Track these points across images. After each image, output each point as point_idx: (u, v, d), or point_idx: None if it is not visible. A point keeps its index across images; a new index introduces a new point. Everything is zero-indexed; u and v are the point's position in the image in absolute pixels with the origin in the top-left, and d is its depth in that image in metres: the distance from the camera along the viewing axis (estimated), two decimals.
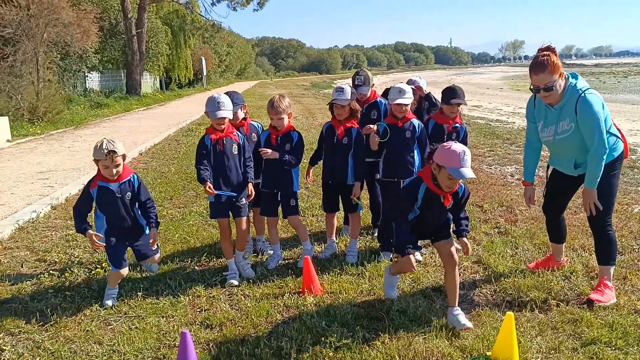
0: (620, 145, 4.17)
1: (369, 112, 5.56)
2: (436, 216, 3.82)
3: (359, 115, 5.21)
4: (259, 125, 5.37)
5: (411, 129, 5.05)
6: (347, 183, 5.13)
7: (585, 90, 3.98)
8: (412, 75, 6.57)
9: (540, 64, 3.96)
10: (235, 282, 4.62)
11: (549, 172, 4.73)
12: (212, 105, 4.58)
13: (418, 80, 6.05)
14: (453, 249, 3.87)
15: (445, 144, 3.61)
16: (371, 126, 5.24)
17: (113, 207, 4.28)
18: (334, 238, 5.43)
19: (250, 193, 4.79)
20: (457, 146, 3.53)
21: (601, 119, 3.93)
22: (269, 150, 4.81)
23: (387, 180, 5.16)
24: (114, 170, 4.15)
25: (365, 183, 5.81)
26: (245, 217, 4.83)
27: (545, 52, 3.99)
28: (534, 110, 4.37)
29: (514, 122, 17.09)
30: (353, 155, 5.10)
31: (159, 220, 4.44)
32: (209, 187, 4.46)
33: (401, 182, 5.03)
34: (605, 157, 3.97)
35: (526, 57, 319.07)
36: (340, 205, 5.41)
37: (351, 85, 5.51)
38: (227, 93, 5.18)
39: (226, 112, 4.61)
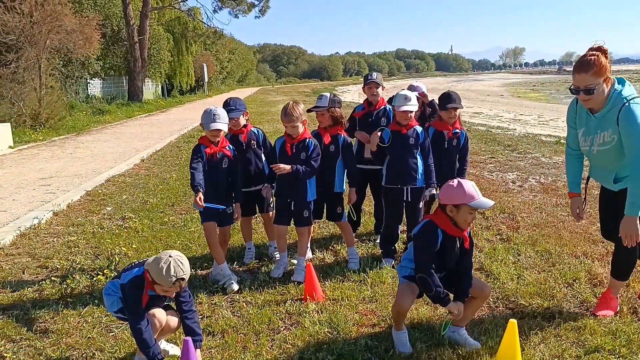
0: None
1: (378, 120, 5.57)
2: (452, 261, 3.54)
3: (344, 122, 5.21)
4: (259, 131, 5.36)
5: (414, 135, 5.05)
6: (334, 191, 5.14)
7: (631, 99, 3.55)
8: (412, 82, 6.58)
9: (586, 63, 3.54)
10: (235, 287, 4.60)
11: (588, 184, 4.25)
12: (208, 117, 4.59)
13: (421, 86, 6.07)
14: (485, 290, 3.70)
15: (448, 184, 3.47)
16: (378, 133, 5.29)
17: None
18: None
19: (237, 215, 4.88)
20: (463, 181, 3.43)
21: None
22: (283, 166, 4.69)
23: (389, 186, 5.15)
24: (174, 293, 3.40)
25: (370, 190, 5.82)
26: (228, 226, 4.92)
27: (594, 52, 3.56)
28: (575, 115, 3.95)
29: (514, 129, 17.10)
30: (344, 162, 5.14)
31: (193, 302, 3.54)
32: (200, 199, 4.39)
33: (404, 189, 5.04)
34: None
35: (527, 64, 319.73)
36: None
37: (364, 81, 5.68)
38: (229, 99, 5.20)
39: (221, 124, 4.59)
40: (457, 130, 5.37)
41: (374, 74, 5.67)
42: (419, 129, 5.11)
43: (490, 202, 3.43)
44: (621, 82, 3.63)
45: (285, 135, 4.89)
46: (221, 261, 4.75)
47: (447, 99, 5.31)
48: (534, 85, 62.89)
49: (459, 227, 3.46)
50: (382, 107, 5.64)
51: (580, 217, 4.13)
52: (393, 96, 5.30)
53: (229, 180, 4.77)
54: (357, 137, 5.62)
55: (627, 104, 3.52)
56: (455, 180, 3.47)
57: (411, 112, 4.99)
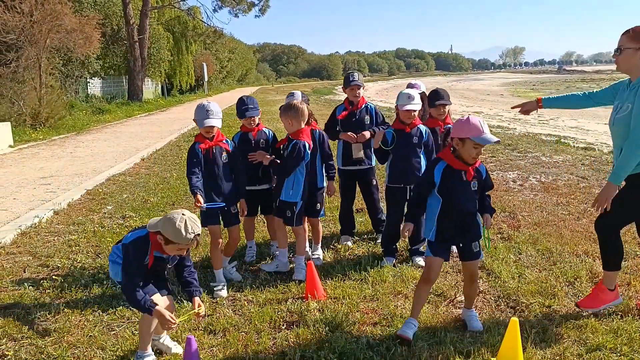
0: None
1: (362, 119, 5.57)
2: (461, 197, 3.65)
3: (315, 118, 5.25)
4: (270, 131, 5.26)
5: (418, 134, 5.06)
6: (317, 186, 5.15)
7: None
8: (412, 81, 6.57)
9: (629, 29, 3.75)
10: (224, 294, 4.53)
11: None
12: (201, 113, 4.54)
13: (420, 85, 6.04)
14: (477, 269, 3.91)
15: (460, 118, 3.63)
16: (365, 135, 5.41)
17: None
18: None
19: (242, 211, 4.84)
20: (473, 117, 3.59)
21: None
22: (261, 156, 4.90)
23: (393, 186, 5.16)
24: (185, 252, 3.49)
25: (360, 189, 5.83)
26: (236, 225, 4.84)
27: None
28: (618, 88, 4.04)
29: (515, 128, 17.09)
30: (321, 156, 5.18)
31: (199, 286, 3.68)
32: (199, 201, 4.36)
33: (408, 187, 5.04)
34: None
35: (527, 64, 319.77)
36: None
37: (344, 82, 5.66)
38: (245, 97, 5.23)
39: (215, 120, 4.54)
40: (449, 126, 5.36)
41: (356, 75, 5.64)
42: (422, 127, 5.12)
43: (495, 138, 3.54)
44: None
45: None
46: (219, 267, 4.70)
47: (436, 96, 5.34)
48: (533, 85, 62.81)
49: (465, 161, 3.61)
50: (364, 105, 5.63)
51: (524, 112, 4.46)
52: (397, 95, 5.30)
53: (230, 176, 4.71)
54: (342, 138, 5.59)
55: None
56: (468, 115, 3.64)
57: (414, 111, 4.99)
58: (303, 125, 4.80)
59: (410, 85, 5.78)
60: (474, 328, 3.81)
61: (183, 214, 3.21)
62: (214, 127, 4.56)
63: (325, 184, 5.28)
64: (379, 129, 5.35)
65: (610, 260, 4.01)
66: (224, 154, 4.67)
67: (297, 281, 4.73)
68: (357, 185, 5.87)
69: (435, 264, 3.75)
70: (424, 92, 5.84)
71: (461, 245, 3.81)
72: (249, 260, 5.38)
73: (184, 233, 3.16)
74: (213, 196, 4.58)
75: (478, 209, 3.79)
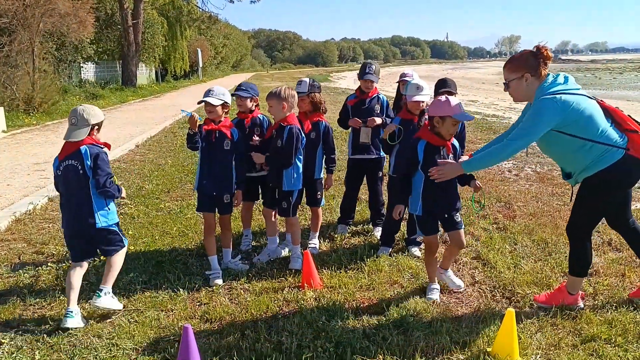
0: (611, 157, 3.63)
1: (372, 106, 5.55)
2: (411, 135, 4.34)
3: (324, 108, 5.22)
4: (264, 118, 5.19)
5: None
6: (314, 177, 5.15)
7: (542, 96, 3.63)
8: (407, 68, 6.51)
9: (506, 63, 3.86)
10: (220, 282, 4.51)
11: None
12: (204, 93, 4.60)
13: (412, 74, 5.90)
14: (463, 236, 4.29)
15: (439, 98, 4.07)
16: (375, 120, 5.36)
17: None
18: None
19: (237, 202, 4.79)
20: (451, 98, 4.06)
21: (537, 123, 3.59)
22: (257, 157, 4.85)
23: (393, 144, 5.06)
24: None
25: (366, 180, 5.81)
26: (228, 215, 4.81)
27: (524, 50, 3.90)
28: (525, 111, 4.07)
29: (510, 118, 17.09)
30: (324, 149, 5.18)
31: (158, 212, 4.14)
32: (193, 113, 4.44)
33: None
34: (505, 152, 3.74)
35: None
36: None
37: (359, 72, 5.55)
38: (243, 82, 5.25)
39: (212, 98, 4.53)
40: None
41: (373, 67, 5.50)
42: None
43: (472, 117, 4.13)
44: (556, 78, 3.68)
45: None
46: (212, 253, 4.66)
47: (442, 84, 5.27)
48: None
49: (443, 137, 4.05)
50: (375, 94, 5.59)
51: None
52: (405, 85, 5.23)
53: (228, 164, 4.65)
54: (350, 124, 5.57)
55: (541, 98, 3.62)
56: (443, 96, 4.07)
57: (423, 102, 4.89)
58: (292, 111, 4.72)
59: (403, 75, 5.72)
60: (456, 286, 4.33)
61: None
62: (212, 105, 4.53)
63: (322, 176, 5.26)
64: (391, 121, 5.28)
65: (576, 265, 3.95)
66: (227, 141, 4.62)
67: (293, 270, 4.73)
68: (365, 176, 5.82)
69: (432, 240, 4.21)
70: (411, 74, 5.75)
71: (446, 216, 4.19)
72: (245, 249, 5.37)
73: None
74: (204, 177, 4.60)
75: (459, 181, 4.20)
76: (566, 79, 3.71)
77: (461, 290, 4.34)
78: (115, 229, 4.04)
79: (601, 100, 3.82)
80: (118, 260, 4.07)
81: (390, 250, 5.18)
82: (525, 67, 3.70)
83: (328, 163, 5.26)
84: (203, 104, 4.60)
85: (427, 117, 4.12)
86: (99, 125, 4.16)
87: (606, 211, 3.96)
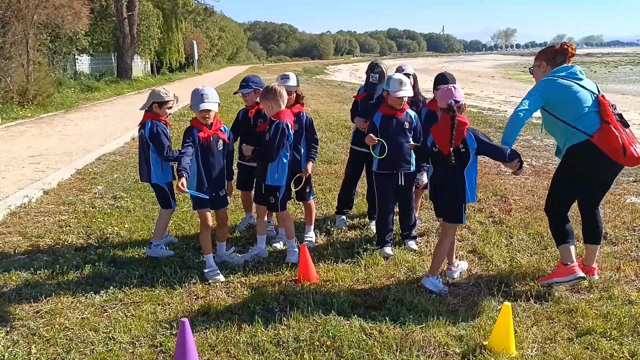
0: (576, 138, 4.09)
1: (379, 103, 5.44)
2: (394, 131, 4.85)
3: (303, 102, 5.23)
4: None
5: (409, 119, 4.98)
6: (301, 170, 5.13)
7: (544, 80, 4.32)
8: (404, 61, 6.48)
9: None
10: (222, 278, 4.47)
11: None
12: (196, 97, 4.44)
13: (409, 68, 5.86)
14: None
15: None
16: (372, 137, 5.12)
17: None
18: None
19: (229, 192, 4.85)
20: (396, 75, 4.80)
21: (535, 93, 4.25)
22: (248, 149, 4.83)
23: (383, 172, 5.03)
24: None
25: (366, 173, 5.80)
26: (224, 208, 4.79)
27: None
28: None
29: (505, 111, 17.10)
30: (307, 139, 5.17)
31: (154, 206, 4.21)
32: (182, 184, 4.20)
33: (399, 174, 4.98)
34: (515, 119, 4.22)
35: (518, 46, 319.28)
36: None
37: (366, 78, 5.52)
38: (248, 77, 5.36)
39: (210, 104, 4.44)
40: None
41: (377, 77, 5.39)
42: (411, 112, 5.05)
43: (402, 94, 4.78)
44: (567, 68, 4.30)
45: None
46: (209, 251, 4.62)
47: (441, 79, 5.26)
48: (525, 67, 62.76)
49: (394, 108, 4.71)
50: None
51: None
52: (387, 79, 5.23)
53: (223, 162, 4.66)
54: (355, 123, 5.60)
55: (538, 83, 4.37)
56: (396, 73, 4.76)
57: (406, 97, 4.90)
58: (283, 107, 4.71)
59: (399, 69, 5.70)
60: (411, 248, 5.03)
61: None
62: (210, 110, 4.46)
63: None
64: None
65: (557, 237, 4.33)
66: (220, 142, 4.59)
67: (289, 264, 4.73)
68: (365, 168, 5.81)
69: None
70: (414, 74, 5.73)
71: None
72: (242, 229, 5.59)
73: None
74: (203, 183, 4.52)
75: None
76: (573, 68, 4.28)
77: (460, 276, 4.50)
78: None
79: (602, 95, 4.21)
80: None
81: (392, 248, 5.08)
82: (545, 59, 4.45)
83: (309, 150, 5.22)
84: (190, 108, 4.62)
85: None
86: (159, 103, 4.99)
87: (576, 192, 4.33)
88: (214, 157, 4.57)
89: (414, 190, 5.25)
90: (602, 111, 4.09)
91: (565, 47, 4.40)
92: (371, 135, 4.86)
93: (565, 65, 4.33)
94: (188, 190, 4.35)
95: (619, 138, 3.98)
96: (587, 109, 4.12)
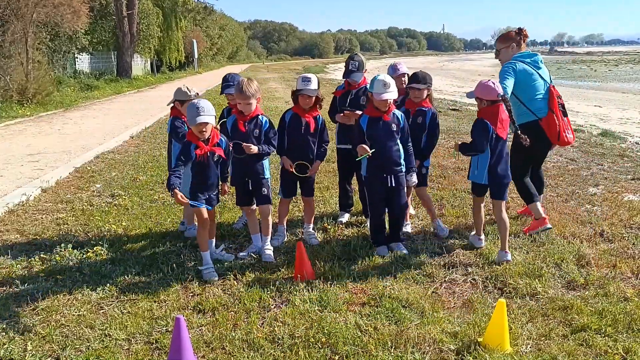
0: (527, 117, 5.32)
1: (357, 98, 5.53)
2: (382, 134, 4.76)
3: (321, 104, 5.19)
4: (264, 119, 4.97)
5: (396, 121, 4.85)
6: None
7: (510, 63, 5.34)
8: (404, 60, 6.48)
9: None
10: (216, 277, 4.44)
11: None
12: (192, 111, 4.32)
13: (402, 66, 5.86)
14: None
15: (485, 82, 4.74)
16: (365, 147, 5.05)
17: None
18: (285, 225, 5.44)
19: (223, 192, 4.86)
20: (381, 76, 4.71)
21: (507, 86, 5.15)
22: (253, 148, 4.67)
23: (372, 175, 4.90)
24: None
25: (355, 175, 5.83)
26: (214, 208, 4.75)
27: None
28: None
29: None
30: (320, 139, 5.20)
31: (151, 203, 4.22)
32: (181, 196, 4.15)
33: (389, 177, 4.85)
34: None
35: None
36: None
37: (345, 68, 5.51)
38: (227, 77, 5.40)
39: (207, 117, 4.33)
40: (424, 108, 5.27)
41: (356, 64, 5.47)
42: (398, 113, 4.92)
43: (385, 97, 4.66)
44: (530, 54, 5.44)
45: (236, 113, 4.81)
46: (205, 249, 4.59)
47: (414, 78, 5.29)
48: None
49: (380, 110, 4.77)
50: (363, 86, 5.55)
51: None
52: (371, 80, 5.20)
53: (217, 170, 4.61)
54: (338, 120, 5.59)
55: (505, 65, 5.35)
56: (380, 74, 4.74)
57: (390, 100, 4.74)
58: (252, 101, 4.74)
59: (394, 67, 5.69)
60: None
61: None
62: (207, 123, 4.36)
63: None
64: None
65: (526, 197, 5.48)
66: (217, 155, 4.51)
67: (286, 261, 4.74)
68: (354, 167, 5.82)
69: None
70: (407, 73, 5.70)
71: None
72: (238, 227, 5.58)
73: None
74: (197, 193, 4.49)
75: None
76: (536, 57, 5.43)
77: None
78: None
79: (552, 86, 5.42)
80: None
81: (387, 250, 4.99)
82: (514, 42, 5.51)
83: (320, 150, 5.23)
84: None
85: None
86: (181, 101, 5.18)
87: (529, 158, 5.46)
88: (210, 169, 4.53)
89: (405, 190, 5.07)
90: (550, 100, 5.28)
91: (524, 31, 5.52)
92: (364, 146, 4.74)
93: (529, 52, 5.46)
94: (191, 202, 4.40)
95: (557, 125, 5.21)
96: (540, 95, 5.29)
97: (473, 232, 5.23)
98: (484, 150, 4.69)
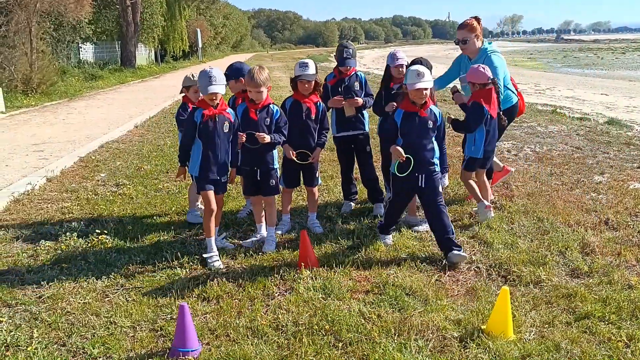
0: (513, 99, 5.80)
1: (351, 84, 5.55)
2: (417, 130, 4.51)
3: (321, 89, 5.21)
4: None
5: (432, 118, 4.56)
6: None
7: (490, 52, 5.60)
8: (409, 48, 6.42)
9: (463, 23, 5.73)
10: (219, 265, 4.45)
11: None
12: (204, 80, 4.37)
13: (400, 54, 5.78)
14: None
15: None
16: (358, 100, 5.41)
17: None
18: (289, 214, 5.43)
19: (231, 179, 4.80)
20: (414, 66, 4.56)
21: (499, 73, 5.50)
22: (267, 137, 4.67)
23: (403, 176, 4.56)
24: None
25: (356, 157, 5.81)
26: (221, 195, 4.76)
27: (470, 18, 5.77)
28: (460, 62, 6.02)
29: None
30: (320, 126, 5.19)
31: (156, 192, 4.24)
32: (184, 172, 4.25)
33: (420, 176, 4.54)
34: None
35: (524, 32, 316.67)
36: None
37: (338, 56, 5.53)
38: (231, 65, 5.38)
39: (218, 86, 4.38)
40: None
41: (350, 51, 5.50)
42: (435, 109, 4.65)
43: (421, 85, 4.40)
44: (490, 43, 5.76)
45: (247, 102, 4.78)
46: (210, 234, 4.59)
47: (411, 63, 5.24)
48: (531, 54, 62.40)
49: (415, 104, 4.53)
50: (354, 72, 5.58)
51: None
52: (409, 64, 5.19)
53: (228, 147, 4.60)
54: (330, 105, 5.51)
55: (488, 54, 5.59)
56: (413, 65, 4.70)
57: (425, 89, 4.42)
58: (264, 89, 4.71)
59: (392, 55, 5.64)
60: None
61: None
62: (217, 93, 4.40)
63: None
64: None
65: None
66: (226, 123, 4.53)
67: (290, 250, 4.75)
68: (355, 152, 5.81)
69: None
70: (406, 62, 5.63)
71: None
72: (242, 216, 5.59)
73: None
74: (209, 166, 4.50)
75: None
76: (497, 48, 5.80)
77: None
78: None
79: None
80: None
81: (392, 239, 4.97)
82: (478, 30, 5.69)
83: (320, 138, 5.23)
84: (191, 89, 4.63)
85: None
86: (187, 87, 5.46)
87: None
88: (220, 140, 4.50)
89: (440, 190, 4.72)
90: (514, 83, 5.91)
91: (479, 20, 5.79)
92: (398, 148, 4.47)
93: (489, 41, 5.89)
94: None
95: (523, 103, 6.02)
96: (508, 79, 5.77)
97: (475, 207, 5.54)
98: (473, 131, 5.24)
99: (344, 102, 5.44)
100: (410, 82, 4.42)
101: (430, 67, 5.18)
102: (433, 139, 4.62)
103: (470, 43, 5.67)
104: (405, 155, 4.46)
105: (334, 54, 5.68)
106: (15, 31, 17.37)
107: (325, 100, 5.58)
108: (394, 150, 4.50)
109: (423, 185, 4.57)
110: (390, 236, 4.96)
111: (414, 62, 5.22)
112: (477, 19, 5.72)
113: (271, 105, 4.80)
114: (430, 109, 4.57)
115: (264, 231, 5.01)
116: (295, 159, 5.06)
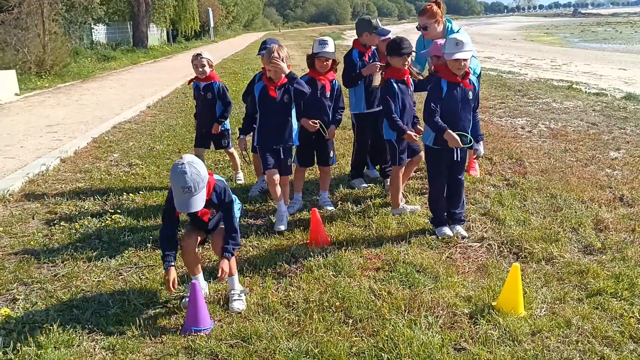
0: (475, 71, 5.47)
1: (374, 58, 5.59)
2: (459, 103, 4.32)
3: (337, 68, 5.18)
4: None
5: (472, 89, 4.40)
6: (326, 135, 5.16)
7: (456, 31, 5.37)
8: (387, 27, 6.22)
9: (423, 10, 5.60)
10: (283, 228, 4.72)
11: None
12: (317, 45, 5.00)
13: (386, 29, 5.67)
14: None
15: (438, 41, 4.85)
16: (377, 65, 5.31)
17: None
18: (301, 193, 5.42)
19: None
20: (453, 35, 4.44)
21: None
22: (331, 128, 5.10)
23: (437, 148, 4.44)
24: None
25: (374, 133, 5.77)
26: (287, 177, 4.95)
27: (430, 3, 5.54)
28: (423, 45, 5.80)
29: (526, 74, 16.77)
30: (335, 105, 5.19)
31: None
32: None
33: (455, 150, 4.37)
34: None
35: (541, 7, 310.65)
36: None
37: (375, 26, 5.49)
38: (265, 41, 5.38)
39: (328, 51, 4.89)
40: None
41: (327, 42, 5.21)
42: (473, 78, 4.49)
43: (462, 56, 4.17)
44: (450, 21, 5.59)
45: (265, 80, 4.71)
46: (280, 199, 4.76)
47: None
48: (547, 29, 61.23)
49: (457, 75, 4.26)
50: (375, 47, 5.65)
51: None
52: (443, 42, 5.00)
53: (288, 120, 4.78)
54: (365, 72, 5.44)
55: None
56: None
57: (465, 59, 4.22)
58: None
59: (382, 30, 5.54)
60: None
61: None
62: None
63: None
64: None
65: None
66: (286, 95, 4.66)
67: (301, 227, 4.76)
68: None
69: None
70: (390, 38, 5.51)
71: None
72: (253, 194, 5.64)
73: None
74: (266, 137, 4.76)
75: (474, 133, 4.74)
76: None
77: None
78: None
79: None
80: None
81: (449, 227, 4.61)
82: (439, 14, 5.49)
83: (336, 116, 5.22)
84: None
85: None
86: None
87: None
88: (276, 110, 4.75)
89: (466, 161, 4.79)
90: None
91: (440, 4, 5.58)
92: (454, 135, 4.25)
93: (448, 20, 5.64)
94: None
95: None
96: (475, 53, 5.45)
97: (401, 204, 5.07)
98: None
99: (378, 70, 5.32)
100: (449, 52, 4.22)
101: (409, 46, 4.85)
102: (472, 110, 4.51)
103: (431, 29, 5.48)
104: (461, 144, 4.30)
105: (355, 30, 5.63)
106: (27, 13, 17.38)
107: (349, 74, 5.53)
108: (450, 137, 4.27)
109: (459, 159, 4.45)
110: (447, 228, 4.55)
111: (393, 41, 4.89)
112: (437, 3, 5.48)
113: (287, 85, 4.64)
114: (470, 79, 4.40)
115: (284, 208, 4.91)
116: (320, 128, 5.04)
